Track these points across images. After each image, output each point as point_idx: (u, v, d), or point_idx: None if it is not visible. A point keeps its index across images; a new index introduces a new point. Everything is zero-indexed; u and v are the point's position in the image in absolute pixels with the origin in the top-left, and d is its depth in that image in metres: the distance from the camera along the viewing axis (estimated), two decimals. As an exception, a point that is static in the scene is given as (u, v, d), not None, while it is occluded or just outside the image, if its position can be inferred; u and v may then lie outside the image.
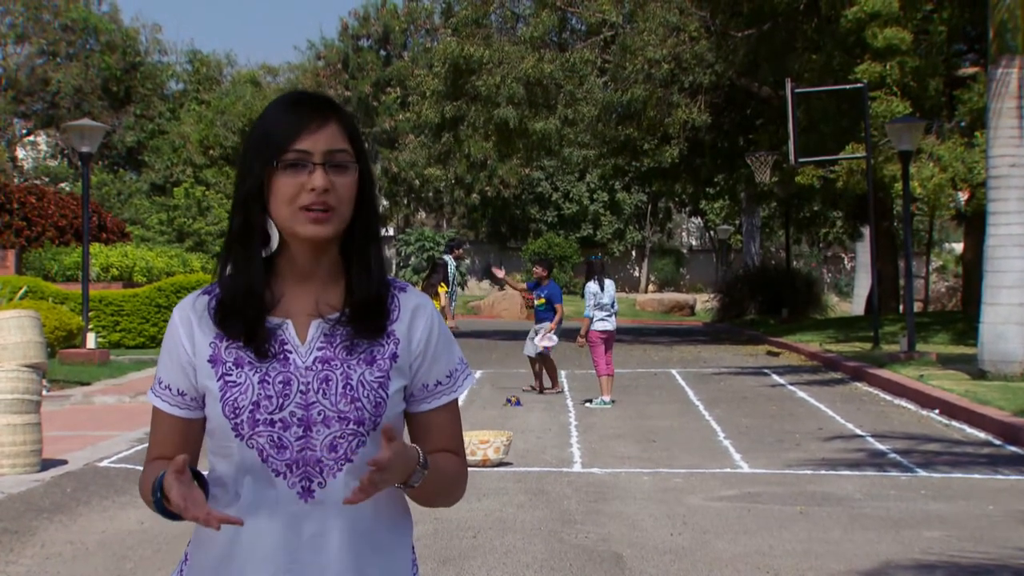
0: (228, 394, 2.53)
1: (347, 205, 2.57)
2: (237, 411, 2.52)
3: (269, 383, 2.53)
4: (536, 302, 18.77)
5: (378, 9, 61.42)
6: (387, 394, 2.58)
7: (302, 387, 2.53)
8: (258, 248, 2.58)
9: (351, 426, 2.54)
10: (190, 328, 2.59)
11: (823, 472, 11.66)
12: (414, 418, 2.69)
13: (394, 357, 2.61)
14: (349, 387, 2.55)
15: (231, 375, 2.54)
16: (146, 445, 2.86)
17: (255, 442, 2.52)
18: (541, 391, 18.60)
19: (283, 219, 2.54)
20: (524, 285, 20.09)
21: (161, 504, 2.46)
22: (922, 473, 11.56)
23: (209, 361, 2.56)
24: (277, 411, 2.52)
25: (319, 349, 2.57)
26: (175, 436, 2.62)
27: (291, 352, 2.56)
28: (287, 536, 2.52)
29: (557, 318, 18.32)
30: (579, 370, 21.88)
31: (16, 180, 48.10)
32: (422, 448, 2.60)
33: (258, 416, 2.51)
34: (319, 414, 2.53)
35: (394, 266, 61.42)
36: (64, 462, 11.90)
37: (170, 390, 2.60)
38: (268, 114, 2.59)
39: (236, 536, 2.52)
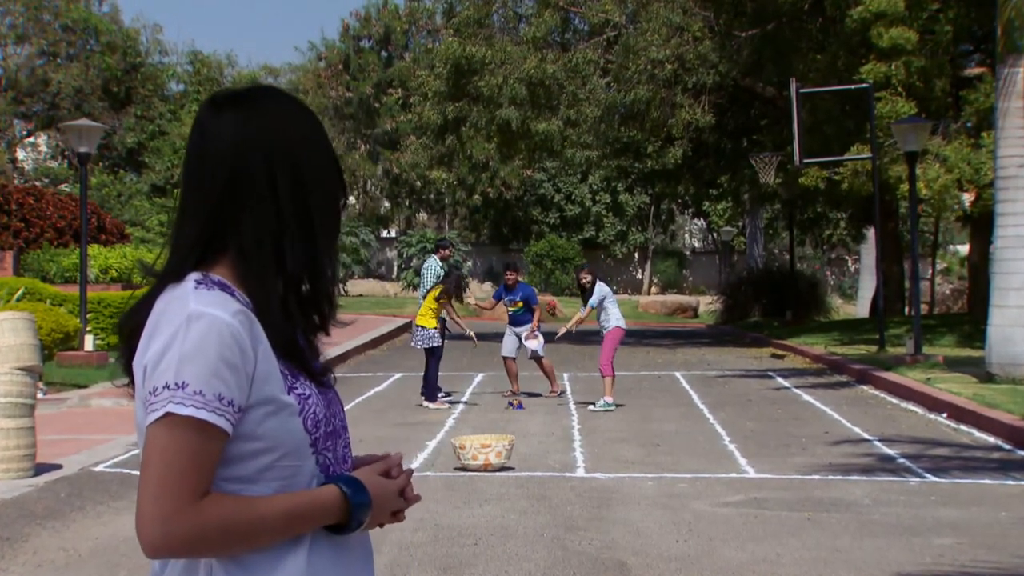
0: (306, 406, 2.29)
1: None
2: (317, 423, 2.31)
3: (321, 393, 2.35)
4: (512, 308, 18.48)
5: (379, 10, 61.39)
6: None
7: (329, 395, 2.39)
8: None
9: (347, 434, 2.43)
10: (253, 333, 2.25)
11: (831, 477, 11.51)
12: None
13: None
14: (336, 396, 2.43)
15: (296, 387, 2.30)
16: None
17: (324, 456, 2.33)
18: (515, 393, 18.21)
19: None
20: (491, 300, 19.52)
21: (369, 509, 2.32)
22: (931, 478, 11.41)
23: (281, 372, 2.28)
24: (332, 420, 2.36)
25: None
26: (217, 461, 2.22)
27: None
28: (363, 552, 2.41)
29: (537, 317, 18.27)
30: (582, 372, 21.75)
31: (16, 181, 48.01)
32: None
33: (327, 428, 2.34)
34: (340, 422, 2.40)
35: (396, 268, 61.33)
36: (59, 467, 11.77)
37: (232, 406, 2.19)
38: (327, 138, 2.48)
39: (312, 560, 2.29)
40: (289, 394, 2.27)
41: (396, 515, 2.40)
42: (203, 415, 2.16)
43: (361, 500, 2.29)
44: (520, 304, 18.38)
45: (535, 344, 18.12)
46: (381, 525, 2.39)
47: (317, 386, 2.34)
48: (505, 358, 18.35)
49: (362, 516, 2.30)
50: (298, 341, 2.34)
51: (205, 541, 2.17)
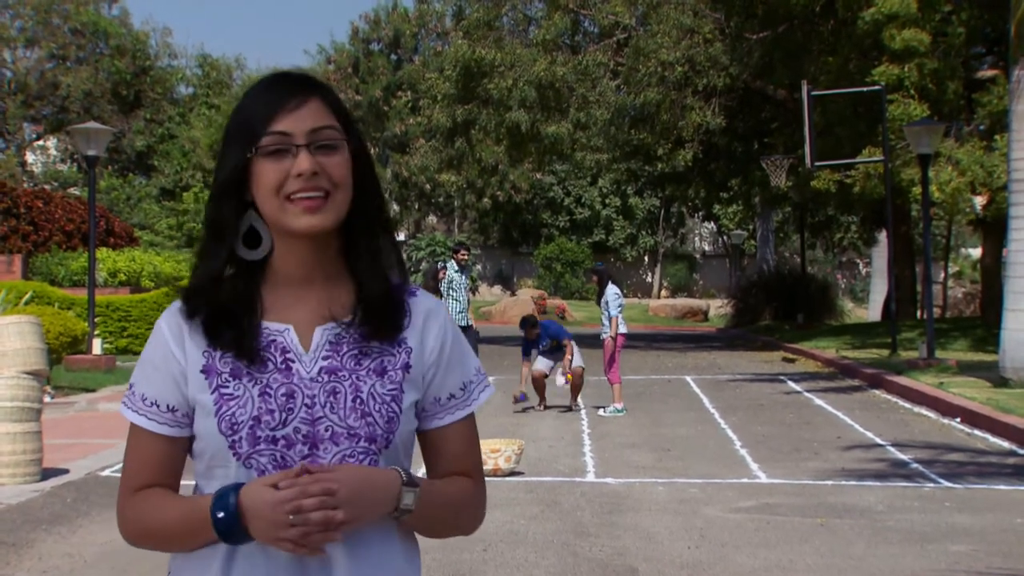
0: (225, 408, 2.24)
1: (344, 188, 2.28)
2: (235, 427, 2.23)
3: (271, 396, 2.24)
4: (545, 349, 17.19)
5: (389, 13, 61.30)
6: (400, 408, 2.31)
7: (307, 400, 2.25)
8: (228, 242, 2.31)
9: (362, 443, 2.27)
10: (180, 335, 2.30)
11: (843, 482, 11.40)
12: (424, 436, 2.41)
13: (406, 368, 2.33)
14: (359, 400, 2.27)
15: (227, 387, 2.25)
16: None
17: (255, 461, 2.23)
18: (546, 407, 17.52)
19: (271, 213, 2.27)
20: (523, 363, 17.86)
21: (233, 522, 2.16)
22: (946, 484, 11.28)
23: (202, 371, 2.27)
24: (280, 427, 2.23)
25: (324, 358, 2.29)
26: (162, 459, 2.31)
27: (294, 361, 2.28)
28: (291, 568, 2.23)
29: (572, 352, 16.88)
30: (591, 376, 21.60)
31: (26, 184, 47.97)
32: (433, 471, 2.38)
33: (259, 432, 2.23)
34: (326, 430, 2.25)
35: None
36: (65, 471, 11.70)
37: (157, 406, 2.29)
38: (245, 97, 2.33)
39: (229, 567, 2.24)
40: (213, 393, 2.25)
41: (296, 529, 2.12)
42: (127, 413, 2.33)
43: (220, 513, 2.17)
44: (554, 342, 17.08)
45: (562, 380, 17.06)
46: (299, 545, 2.14)
47: (279, 373, 2.27)
48: (535, 371, 17.23)
49: (228, 529, 2.17)
50: (224, 327, 2.29)
51: (131, 534, 2.32)
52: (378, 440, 2.28)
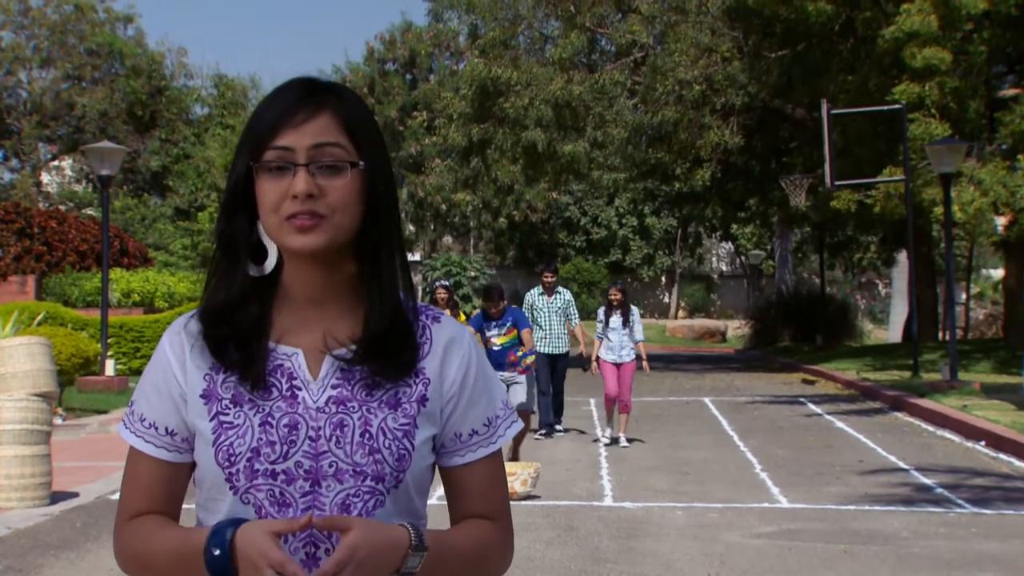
0: (223, 437, 2.08)
1: (344, 212, 2.10)
2: (233, 458, 2.07)
3: (272, 426, 2.08)
4: (501, 339, 14.08)
5: (404, 32, 61.35)
6: (412, 445, 2.12)
7: (312, 433, 2.08)
8: (243, 259, 2.16)
9: (368, 482, 2.09)
10: (182, 355, 2.16)
11: (867, 508, 11.19)
12: (444, 474, 2.23)
13: (423, 400, 2.15)
14: (368, 435, 2.09)
15: (227, 414, 2.09)
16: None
17: (252, 497, 2.06)
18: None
19: (271, 230, 2.12)
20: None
21: (225, 563, 1.97)
22: (972, 509, 11.07)
23: (202, 396, 2.12)
24: (280, 460, 2.07)
25: (334, 387, 2.11)
26: (160, 484, 2.16)
27: (300, 389, 2.11)
28: None
29: (528, 347, 14.09)
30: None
31: (41, 205, 48.04)
32: (454, 510, 2.20)
33: (257, 466, 2.06)
34: (330, 466, 2.08)
35: (420, 291, 61.17)
36: (75, 495, 11.62)
37: (156, 429, 2.15)
38: (260, 103, 2.18)
39: None
40: (212, 421, 2.11)
41: None
42: (125, 434, 2.20)
43: (215, 551, 1.99)
44: (513, 333, 14.14)
45: (522, 393, 13.87)
46: None
47: (280, 400, 2.10)
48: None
49: (219, 569, 1.99)
50: (253, 359, 2.12)
51: (124, 562, 2.18)
52: (386, 479, 2.10)
